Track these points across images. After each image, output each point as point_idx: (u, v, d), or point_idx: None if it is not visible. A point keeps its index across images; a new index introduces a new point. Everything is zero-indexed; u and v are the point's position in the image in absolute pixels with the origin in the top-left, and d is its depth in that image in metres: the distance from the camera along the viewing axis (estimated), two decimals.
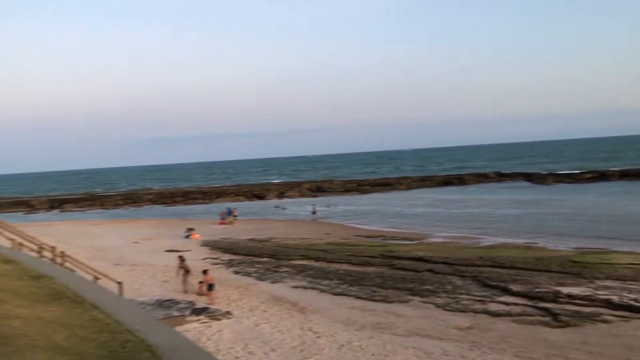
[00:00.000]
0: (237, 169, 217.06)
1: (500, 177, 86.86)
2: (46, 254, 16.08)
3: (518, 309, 17.61)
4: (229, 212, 49.19)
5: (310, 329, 15.63)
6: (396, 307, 18.60)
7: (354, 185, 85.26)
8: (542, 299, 18.37)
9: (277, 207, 62.98)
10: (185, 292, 20.47)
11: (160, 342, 5.21)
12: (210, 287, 19.16)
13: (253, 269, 25.57)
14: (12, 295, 6.34)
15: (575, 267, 22.45)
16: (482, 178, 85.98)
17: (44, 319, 5.50)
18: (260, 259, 28.40)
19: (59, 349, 4.56)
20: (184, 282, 21.20)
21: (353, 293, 20.49)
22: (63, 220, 59.35)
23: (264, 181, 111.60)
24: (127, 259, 29.69)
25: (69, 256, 16.44)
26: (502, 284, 20.46)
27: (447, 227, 39.71)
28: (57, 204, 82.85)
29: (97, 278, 16.02)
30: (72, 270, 14.20)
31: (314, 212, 51.90)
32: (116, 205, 78.30)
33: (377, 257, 26.74)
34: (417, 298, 19.58)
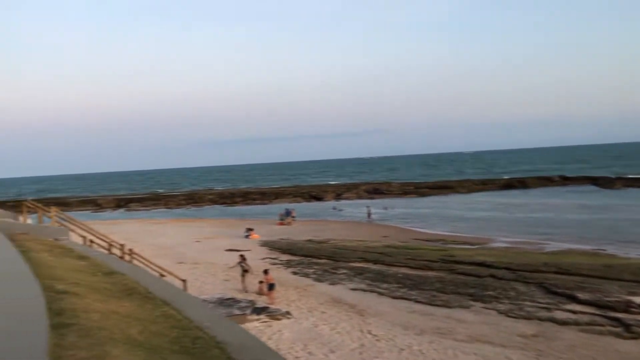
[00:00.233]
0: (295, 170, 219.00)
1: (565, 180, 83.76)
2: (115, 251, 16.75)
3: (586, 318, 16.88)
4: (287, 213, 49.70)
5: (369, 332, 15.57)
6: (457, 313, 18.24)
7: (412, 187, 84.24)
8: (612, 309, 17.54)
9: (334, 208, 63.12)
10: (245, 291, 20.81)
11: (229, 340, 5.32)
12: (271, 287, 19.41)
13: (311, 270, 25.70)
14: (89, 290, 6.63)
15: None
16: (545, 181, 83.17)
17: (119, 314, 5.71)
18: (319, 260, 28.52)
19: (134, 343, 4.73)
20: (243, 281, 21.57)
21: (412, 297, 20.23)
22: (128, 219, 61.61)
23: (321, 182, 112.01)
24: (189, 257, 30.48)
25: (136, 253, 17.05)
26: (568, 292, 19.68)
27: (510, 231, 38.58)
28: (122, 203, 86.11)
29: (162, 275, 16.54)
30: (140, 267, 14.70)
31: (369, 215, 51.70)
32: (179, 205, 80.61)
33: (436, 261, 26.31)
34: (478, 304, 19.13)
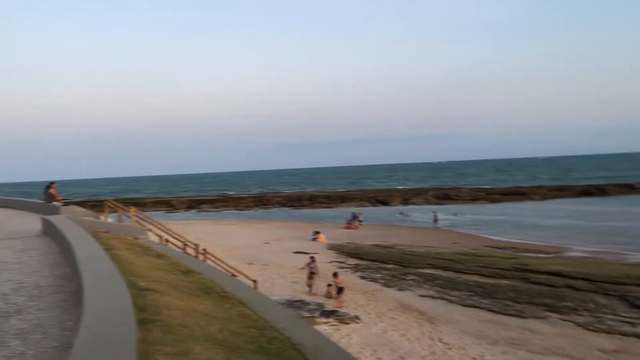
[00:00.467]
0: (360, 174, 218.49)
1: None
2: (189, 250, 17.26)
3: None
4: (354, 217, 49.62)
5: (440, 340, 15.24)
6: (532, 323, 17.56)
7: (483, 193, 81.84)
8: None
9: (401, 213, 62.34)
10: (313, 294, 20.89)
11: (305, 342, 5.30)
12: (340, 290, 19.39)
13: (379, 275, 25.49)
14: (168, 288, 6.82)
15: None
16: (627, 189, 78.66)
17: (199, 312, 5.83)
18: (386, 265, 28.26)
19: (214, 341, 4.80)
20: (311, 283, 21.65)
21: (484, 305, 19.66)
22: (199, 220, 63.50)
23: (388, 187, 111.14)
24: (259, 258, 30.98)
25: (210, 253, 17.49)
26: None
27: (587, 240, 36.71)
28: (194, 204, 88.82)
29: (234, 275, 16.88)
30: (214, 267, 15.05)
31: (435, 220, 50.71)
32: (248, 207, 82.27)
33: (509, 270, 25.45)
34: (554, 315, 18.35)
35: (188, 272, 9.08)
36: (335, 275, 20.47)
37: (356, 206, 72.60)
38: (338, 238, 39.99)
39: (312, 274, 21.84)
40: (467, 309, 19.47)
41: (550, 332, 16.62)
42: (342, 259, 30.79)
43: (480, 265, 26.93)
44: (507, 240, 38.27)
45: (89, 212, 16.34)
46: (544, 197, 75.26)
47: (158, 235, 17.50)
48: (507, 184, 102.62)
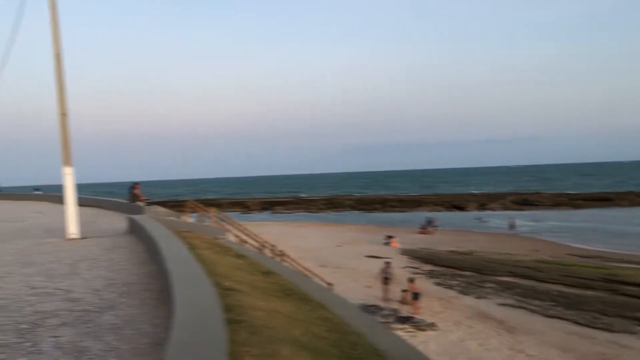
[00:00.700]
0: (436, 177, 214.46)
1: None
2: (266, 251, 17.48)
3: None
4: (429, 222, 48.73)
5: (521, 351, 14.61)
6: (622, 338, 16.49)
7: (566, 198, 78.02)
8: None
9: (477, 219, 60.59)
10: (387, 299, 20.62)
11: (389, 349, 5.16)
12: (416, 296, 19.02)
13: (455, 282, 24.83)
14: (250, 288, 6.86)
15: None
16: None
17: (281, 313, 5.81)
18: (463, 272, 27.50)
19: (299, 344, 4.75)
20: (386, 289, 21.38)
21: (569, 317, 18.66)
22: (273, 221, 64.50)
23: (463, 192, 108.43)
24: (331, 261, 31.02)
25: (286, 255, 17.64)
26: None
27: None
28: (268, 205, 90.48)
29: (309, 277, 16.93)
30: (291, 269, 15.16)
31: (512, 226, 48.88)
32: (319, 209, 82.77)
33: (596, 280, 24.03)
34: None
35: (268, 273, 9.14)
36: (411, 280, 20.11)
37: (430, 211, 71.33)
38: (412, 243, 39.36)
39: (386, 279, 21.57)
40: (550, 319, 18.57)
41: None
42: (417, 264, 30.25)
43: (563, 274, 25.62)
44: (593, 248, 36.25)
45: (170, 212, 16.91)
46: (632, 204, 70.73)
47: (236, 235, 17.83)
48: (592, 189, 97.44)
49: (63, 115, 12.13)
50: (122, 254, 9.44)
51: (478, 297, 21.86)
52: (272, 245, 17.67)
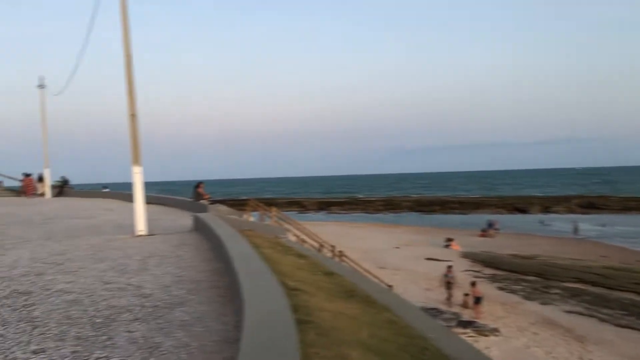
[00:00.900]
0: (497, 179, 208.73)
1: None
2: (325, 251, 17.51)
3: None
4: (490, 225, 47.52)
5: None
6: None
7: (636, 202, 74.20)
8: None
9: (541, 222, 58.54)
10: (449, 303, 20.22)
11: (458, 355, 5.03)
12: (478, 300, 18.56)
13: (519, 287, 24.07)
14: (315, 289, 6.85)
15: None
16: None
17: (347, 315, 5.77)
18: (526, 277, 26.64)
19: (366, 347, 4.69)
20: (449, 293, 20.94)
21: None
22: (329, 221, 64.58)
23: (526, 194, 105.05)
24: (389, 262, 30.73)
25: (346, 256, 17.60)
26: None
27: None
28: (324, 205, 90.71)
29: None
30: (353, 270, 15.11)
31: (575, 230, 46.89)
32: (377, 210, 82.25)
33: None
34: None
35: (330, 273, 9.11)
36: (473, 284, 19.64)
37: (491, 213, 69.48)
38: (472, 246, 38.42)
39: (449, 284, 21.08)
40: (622, 329, 17.69)
41: None
42: (478, 268, 29.54)
43: (635, 282, 24.34)
44: None
45: (232, 210, 17.22)
46: None
47: (295, 235, 17.95)
48: None
49: (132, 116, 12.56)
50: (189, 251, 9.66)
51: (543, 303, 21.09)
52: (332, 246, 17.67)
